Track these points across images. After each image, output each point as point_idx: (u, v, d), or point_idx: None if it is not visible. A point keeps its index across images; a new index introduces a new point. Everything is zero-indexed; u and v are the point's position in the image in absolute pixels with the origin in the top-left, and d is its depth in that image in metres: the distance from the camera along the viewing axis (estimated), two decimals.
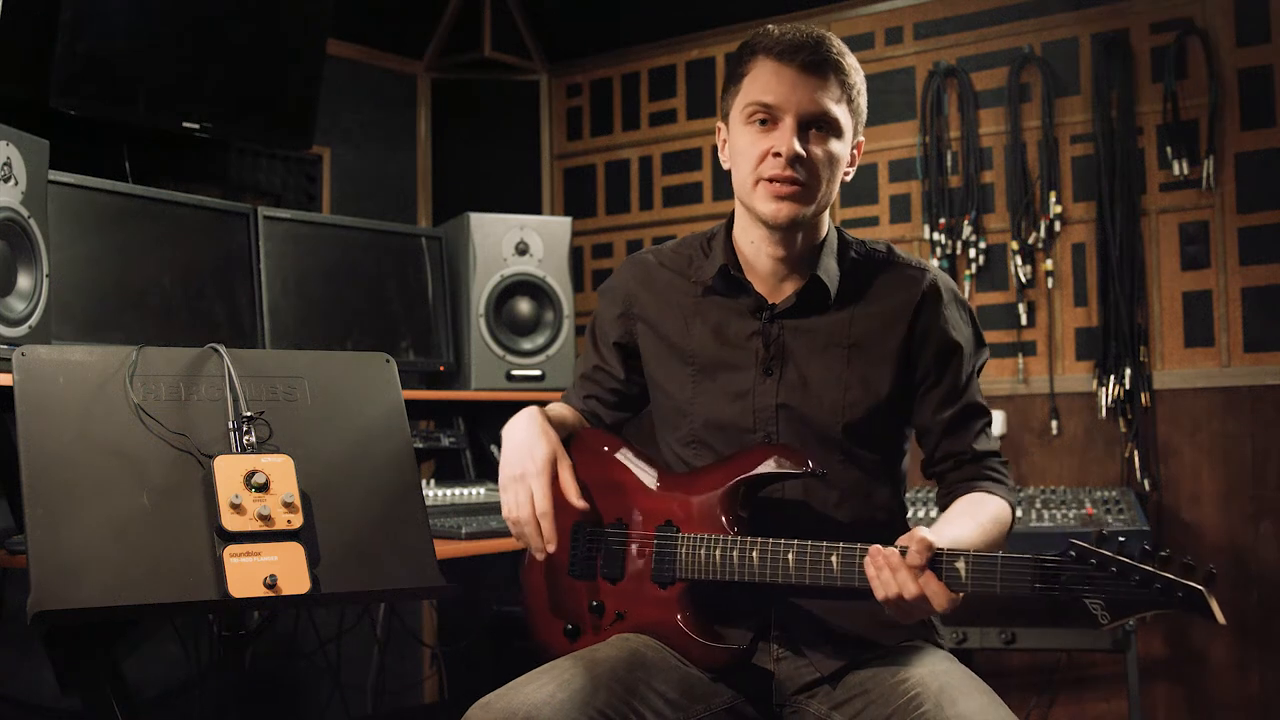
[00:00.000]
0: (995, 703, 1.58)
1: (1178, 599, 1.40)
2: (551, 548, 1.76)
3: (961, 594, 1.53)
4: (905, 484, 1.90)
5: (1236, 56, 3.18)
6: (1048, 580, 1.47)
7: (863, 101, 1.79)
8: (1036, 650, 3.22)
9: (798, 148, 1.71)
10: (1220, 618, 1.39)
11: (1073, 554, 1.46)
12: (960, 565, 1.52)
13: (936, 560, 1.52)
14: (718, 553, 1.70)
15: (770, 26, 1.78)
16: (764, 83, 1.73)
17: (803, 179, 1.73)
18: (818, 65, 1.72)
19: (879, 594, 1.55)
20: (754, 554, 1.67)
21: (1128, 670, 2.98)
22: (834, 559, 1.61)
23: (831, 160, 1.75)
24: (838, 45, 1.76)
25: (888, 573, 1.54)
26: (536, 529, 1.75)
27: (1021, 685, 3.33)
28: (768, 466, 1.72)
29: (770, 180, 1.73)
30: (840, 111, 1.74)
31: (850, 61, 1.77)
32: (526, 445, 1.80)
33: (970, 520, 1.68)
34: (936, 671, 1.63)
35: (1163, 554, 1.42)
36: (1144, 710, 3.08)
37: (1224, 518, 3.18)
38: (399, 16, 3.95)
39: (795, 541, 1.64)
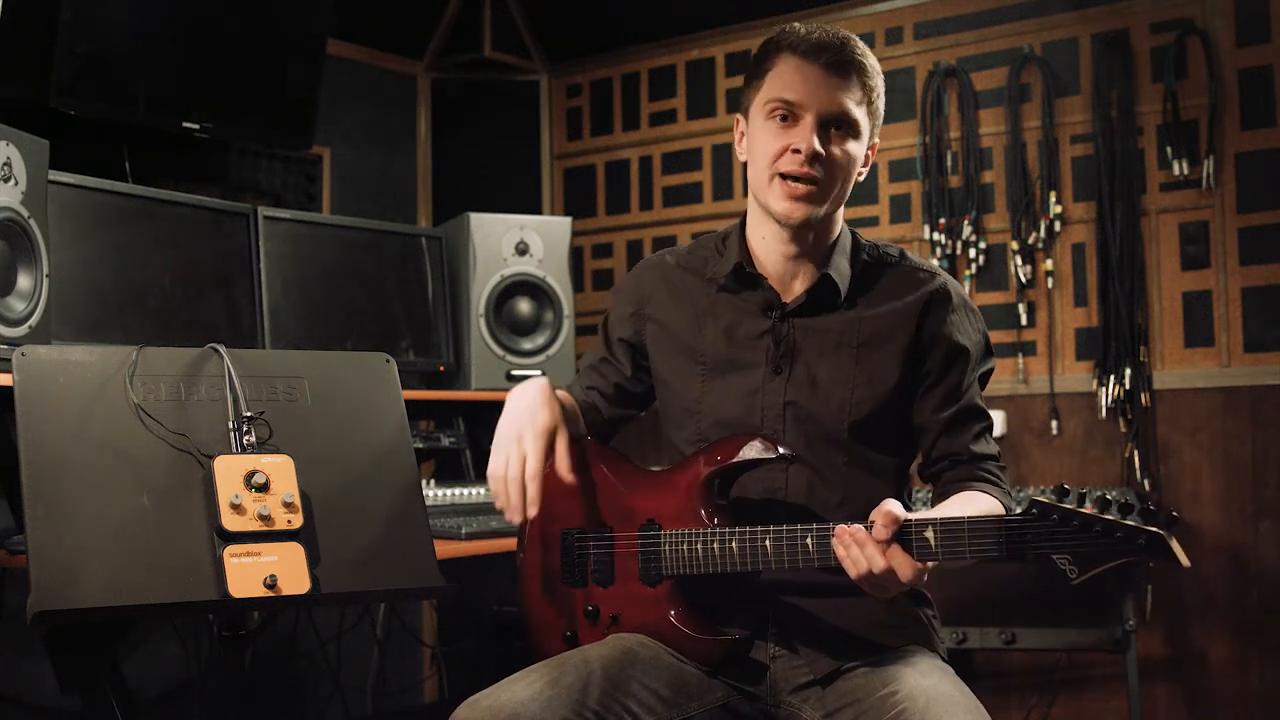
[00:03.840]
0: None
1: (1139, 545, 1.41)
2: (533, 511, 1.72)
3: (931, 563, 1.53)
4: (910, 489, 1.90)
5: (1236, 56, 3.18)
6: (1014, 540, 1.48)
7: (881, 105, 1.82)
8: (1036, 650, 3.22)
9: (817, 145, 1.73)
10: (1184, 559, 1.40)
11: (1035, 511, 1.47)
12: (929, 534, 1.52)
13: (906, 531, 1.53)
14: (699, 546, 1.70)
15: (796, 24, 1.79)
16: (787, 79, 1.75)
17: (819, 177, 1.74)
18: (842, 65, 1.74)
19: (851, 573, 1.56)
20: (733, 544, 1.68)
21: (1128, 670, 2.98)
22: (809, 540, 1.62)
23: (848, 160, 1.77)
24: (861, 47, 1.78)
25: (856, 549, 1.55)
26: (521, 490, 1.72)
27: (1021, 685, 3.33)
28: (739, 454, 1.72)
29: (785, 177, 1.74)
30: (860, 113, 1.76)
31: (872, 64, 1.78)
32: (530, 410, 1.78)
33: (960, 512, 1.65)
34: (925, 686, 1.62)
35: (1123, 502, 1.43)
36: (1144, 710, 3.09)
37: (1224, 518, 3.18)
38: (399, 16, 3.95)
39: (770, 527, 1.65)
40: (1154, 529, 1.40)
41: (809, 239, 1.80)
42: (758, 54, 1.82)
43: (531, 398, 1.81)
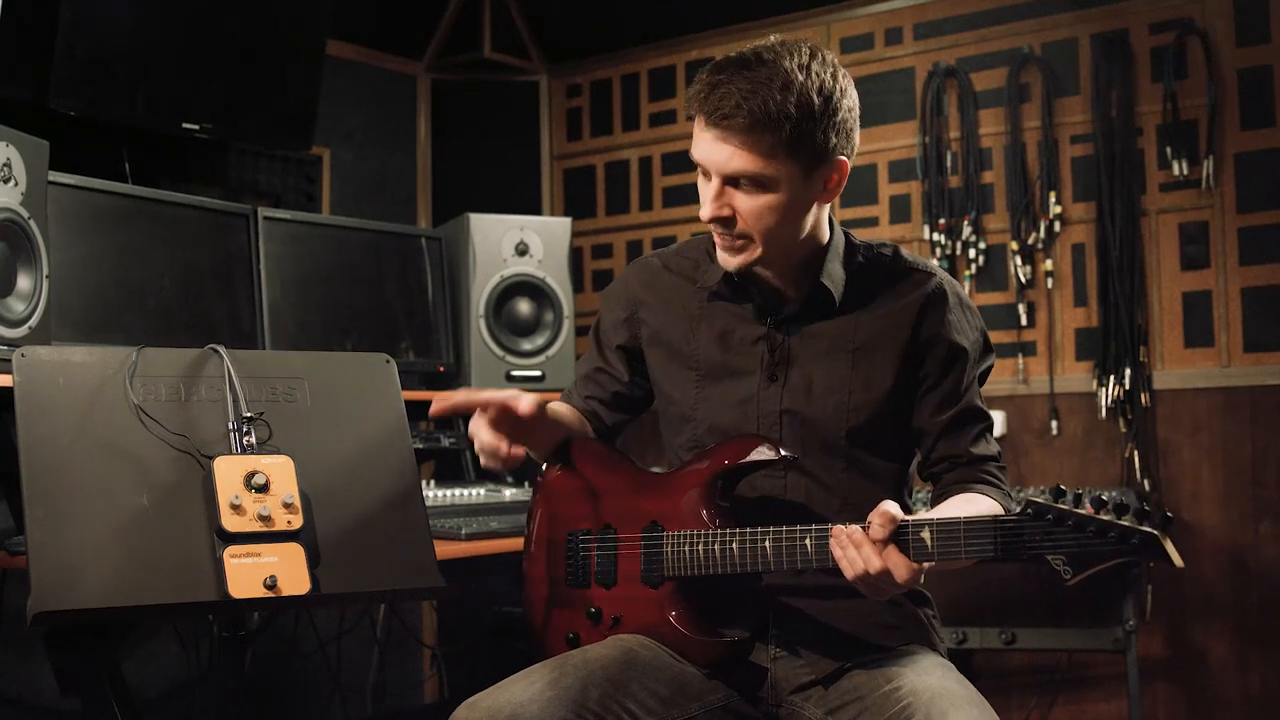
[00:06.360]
0: (986, 715, 1.58)
1: (1133, 545, 1.41)
2: (516, 448, 1.71)
3: (927, 564, 1.53)
4: (911, 490, 1.90)
5: (1236, 56, 3.18)
6: (1009, 541, 1.48)
7: (824, 132, 1.64)
8: (1036, 650, 3.22)
9: (717, 210, 1.69)
10: (1177, 560, 1.40)
11: (1030, 511, 1.47)
12: (926, 534, 1.52)
13: (902, 532, 1.53)
14: (700, 548, 1.71)
15: (707, 68, 1.67)
16: (696, 137, 1.69)
17: (737, 232, 1.71)
18: (737, 125, 1.61)
19: (848, 573, 1.56)
20: (734, 545, 1.68)
21: (1128, 670, 2.98)
22: (808, 542, 1.63)
23: (765, 211, 1.67)
24: (766, 97, 1.59)
25: (853, 550, 1.55)
26: (489, 428, 1.71)
27: (1021, 685, 3.33)
28: (745, 457, 1.73)
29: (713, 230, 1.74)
30: (771, 166, 1.63)
31: (791, 105, 1.60)
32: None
33: (959, 514, 1.65)
34: (930, 682, 1.62)
35: (1118, 502, 1.43)
36: (1144, 710, 3.09)
37: (1224, 518, 3.18)
38: (399, 17, 3.95)
39: (771, 529, 1.65)
40: (1148, 529, 1.40)
41: (785, 260, 1.77)
42: None
43: None
